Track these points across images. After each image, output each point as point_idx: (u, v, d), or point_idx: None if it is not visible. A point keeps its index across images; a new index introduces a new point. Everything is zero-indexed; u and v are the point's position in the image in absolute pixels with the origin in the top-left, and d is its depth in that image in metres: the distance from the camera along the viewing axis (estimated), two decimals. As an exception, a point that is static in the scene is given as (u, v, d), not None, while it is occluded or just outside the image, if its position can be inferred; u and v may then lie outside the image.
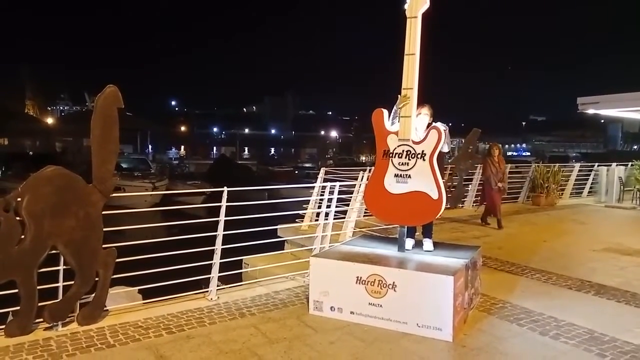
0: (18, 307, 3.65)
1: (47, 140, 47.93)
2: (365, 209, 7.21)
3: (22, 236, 3.55)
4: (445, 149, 4.51)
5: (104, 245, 3.95)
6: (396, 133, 4.40)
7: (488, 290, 4.89)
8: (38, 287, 3.66)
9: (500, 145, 9.67)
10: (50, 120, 58.94)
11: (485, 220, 9.13)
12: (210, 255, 4.74)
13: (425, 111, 4.60)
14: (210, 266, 4.73)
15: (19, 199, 3.52)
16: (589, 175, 14.12)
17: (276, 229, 7.45)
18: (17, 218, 3.53)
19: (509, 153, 71.00)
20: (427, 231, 4.85)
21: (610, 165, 13.40)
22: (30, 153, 36.74)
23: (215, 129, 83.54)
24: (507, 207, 11.53)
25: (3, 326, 3.66)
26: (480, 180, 10.21)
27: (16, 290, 3.60)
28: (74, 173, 3.84)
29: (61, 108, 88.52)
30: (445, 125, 4.41)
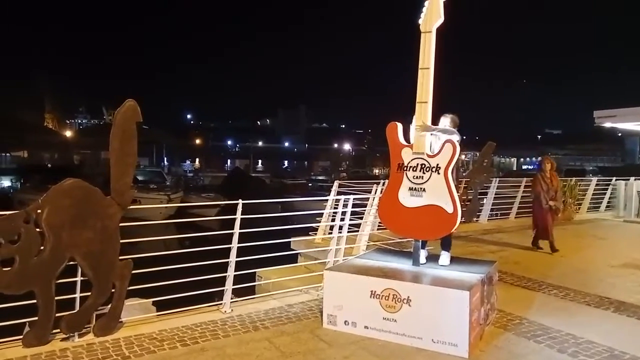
0: (35, 318, 3.70)
1: (66, 152, 48.85)
2: (379, 223, 7.18)
3: (42, 247, 3.61)
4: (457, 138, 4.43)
5: (120, 257, 3.99)
6: (411, 146, 4.40)
7: (504, 306, 4.82)
8: (55, 298, 3.71)
9: (552, 158, 8.65)
10: (68, 133, 60.17)
11: (537, 244, 8.09)
12: (222, 267, 4.75)
13: (448, 122, 4.60)
14: (223, 278, 4.74)
15: (39, 211, 3.59)
16: (607, 189, 13.90)
17: (289, 241, 7.46)
18: (37, 229, 3.60)
19: (524, 167, 70.26)
20: (446, 244, 4.79)
21: (629, 179, 13.18)
22: (49, 165, 37.40)
23: (229, 142, 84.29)
24: (522, 221, 11.39)
25: (20, 336, 3.71)
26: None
27: (32, 301, 3.65)
28: (92, 185, 3.91)
29: (79, 121, 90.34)
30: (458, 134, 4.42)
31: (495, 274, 4.78)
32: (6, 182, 30.47)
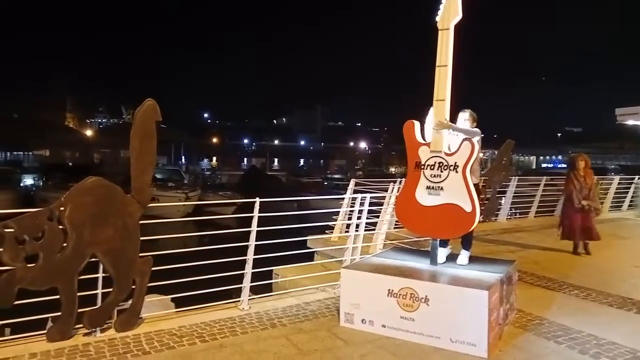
0: (58, 313, 3.78)
1: (86, 151, 49.73)
2: (396, 221, 7.16)
3: (64, 244, 3.69)
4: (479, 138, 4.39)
5: (140, 254, 4.06)
6: (428, 145, 4.38)
7: (524, 306, 4.76)
8: (78, 294, 3.79)
9: (587, 156, 8.05)
10: (89, 133, 61.25)
11: (576, 250, 7.56)
12: (239, 265, 4.79)
13: (467, 117, 4.56)
14: (240, 276, 4.78)
15: (61, 208, 3.66)
16: (629, 188, 13.60)
17: (306, 240, 7.47)
18: (60, 227, 3.68)
19: (544, 165, 69.15)
20: (466, 242, 4.75)
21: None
22: (70, 164, 38.08)
23: (245, 141, 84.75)
24: (542, 220, 11.23)
25: (44, 331, 3.80)
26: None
27: (55, 297, 3.73)
28: (113, 184, 3.98)
29: (99, 120, 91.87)
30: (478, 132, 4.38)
31: (514, 273, 4.73)
32: (29, 181, 31.12)
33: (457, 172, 4.22)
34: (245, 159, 71.05)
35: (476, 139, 4.27)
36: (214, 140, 72.27)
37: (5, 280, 3.44)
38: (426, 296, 3.92)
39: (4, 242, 3.44)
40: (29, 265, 3.55)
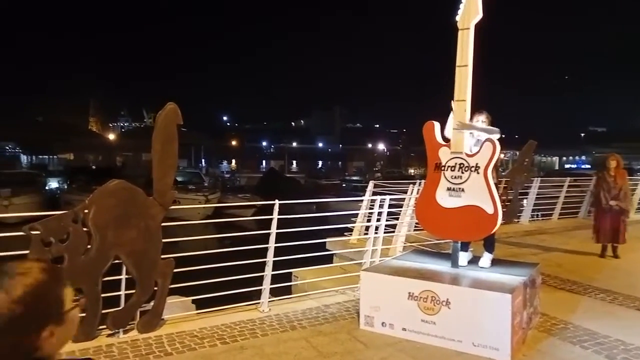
0: (82, 314, 3.84)
1: (109, 154, 50.72)
2: (416, 223, 7.09)
3: (89, 246, 3.76)
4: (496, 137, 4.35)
5: (162, 256, 4.11)
6: (448, 146, 4.33)
7: (548, 310, 4.66)
8: (102, 295, 3.85)
9: (619, 156, 7.77)
10: (111, 136, 62.44)
11: (604, 252, 7.39)
12: (258, 267, 4.81)
13: (483, 118, 4.51)
14: (259, 278, 4.80)
15: (86, 211, 3.74)
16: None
17: (325, 242, 7.46)
18: (84, 229, 3.75)
19: (567, 166, 67.77)
20: (489, 245, 4.68)
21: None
22: (93, 167, 38.83)
23: (264, 143, 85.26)
24: (566, 222, 11.00)
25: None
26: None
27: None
28: (135, 186, 4.04)
29: (121, 124, 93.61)
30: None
31: (538, 276, 4.64)
32: (54, 184, 31.84)
33: (478, 173, 4.17)
34: (264, 161, 71.44)
35: (496, 137, 4.22)
36: (233, 142, 72.88)
37: (32, 282, 3.51)
38: (447, 299, 3.87)
39: (30, 244, 3.52)
40: (54, 266, 3.62)
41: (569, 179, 11.93)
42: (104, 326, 3.92)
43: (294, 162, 70.60)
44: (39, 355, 1.10)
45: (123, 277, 4.00)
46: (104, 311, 3.88)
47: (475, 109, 4.39)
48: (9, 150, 56.65)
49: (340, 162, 74.38)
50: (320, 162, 75.39)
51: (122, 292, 4.02)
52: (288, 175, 47.65)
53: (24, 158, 52.25)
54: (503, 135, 4.52)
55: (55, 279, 1.16)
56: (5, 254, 4.04)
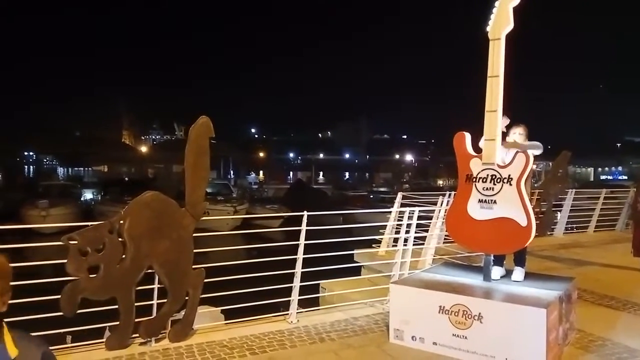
0: (116, 323, 3.93)
1: (141, 166, 52.04)
2: (446, 236, 6.99)
3: (123, 256, 3.85)
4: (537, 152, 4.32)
5: (193, 266, 4.17)
6: (480, 157, 4.27)
7: (585, 326, 4.50)
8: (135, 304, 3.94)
9: None
10: (143, 149, 64.10)
11: None
12: (285, 278, 4.82)
13: (521, 131, 4.46)
14: (287, 289, 4.80)
15: (121, 222, 3.84)
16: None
17: (352, 254, 7.43)
18: (119, 239, 3.85)
19: (602, 177, 65.67)
20: (520, 259, 4.57)
21: None
22: (126, 179, 39.88)
23: (291, 155, 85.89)
24: (602, 235, 10.64)
25: (101, 339, 3.97)
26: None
27: (112, 307, 3.88)
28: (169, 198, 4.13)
29: (153, 137, 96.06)
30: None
31: (574, 291, 4.49)
32: (88, 195, 32.84)
33: (511, 184, 4.09)
34: (291, 173, 71.89)
35: (538, 152, 4.20)
36: (261, 154, 73.70)
37: (69, 290, 3.63)
38: (480, 313, 3.79)
39: (68, 253, 3.64)
40: (91, 276, 3.73)
41: (605, 190, 11.56)
42: (137, 335, 4.00)
43: (321, 173, 70.78)
44: None
45: (155, 286, 4.08)
46: (136, 320, 3.96)
47: (513, 122, 4.35)
48: (46, 162, 58.88)
49: (367, 174, 74.12)
50: (347, 174, 75.36)
51: (155, 302, 4.10)
52: (315, 186, 47.80)
53: (60, 170, 54.17)
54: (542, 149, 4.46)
55: None
56: (43, 262, 4.20)
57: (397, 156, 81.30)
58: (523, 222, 4.01)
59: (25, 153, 56.58)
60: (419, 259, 6.61)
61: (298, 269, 4.79)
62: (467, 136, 4.38)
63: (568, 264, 7.68)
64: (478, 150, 4.34)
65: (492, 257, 4.43)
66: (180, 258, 4.04)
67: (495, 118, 4.21)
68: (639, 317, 4.97)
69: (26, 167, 56.95)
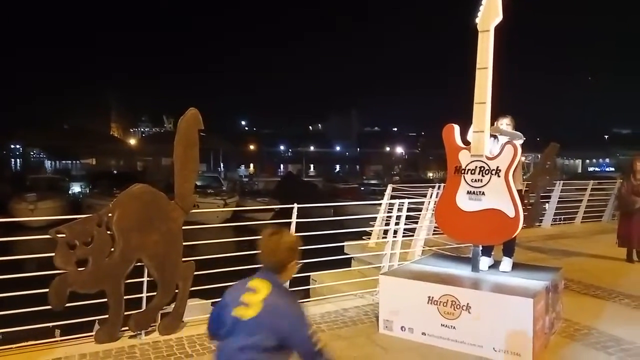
0: (105, 316, 3.92)
1: (130, 159, 51.55)
2: (435, 227, 7.04)
3: (112, 249, 3.83)
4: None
5: (183, 259, 4.16)
6: (468, 149, 4.30)
7: (571, 315, 4.58)
8: (124, 297, 3.92)
9: None
10: (132, 141, 63.52)
11: (631, 257, 7.20)
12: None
13: (507, 122, 4.49)
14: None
15: (110, 215, 3.82)
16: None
17: (343, 245, 7.46)
18: (108, 232, 3.82)
19: (590, 169, 66.42)
20: (508, 249, 4.63)
21: None
22: (115, 172, 39.50)
23: (282, 147, 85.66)
24: (589, 226, 10.79)
25: (92, 333, 3.95)
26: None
27: (101, 300, 3.87)
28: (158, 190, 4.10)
29: (142, 129, 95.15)
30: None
31: (560, 281, 4.56)
32: (77, 188, 32.49)
33: (499, 176, 4.12)
34: (282, 166, 71.76)
35: (520, 142, 4.20)
36: (251, 147, 73.41)
37: (58, 283, 3.61)
38: (468, 304, 3.84)
39: (56, 246, 3.61)
40: (79, 269, 3.71)
41: (592, 182, 11.71)
42: (127, 328, 3.99)
43: (312, 166, 70.73)
44: None
45: (145, 279, 4.07)
46: (126, 313, 3.95)
47: (500, 112, 4.37)
48: (34, 155, 58.13)
49: (357, 166, 74.25)
50: (337, 166, 75.40)
51: (144, 295, 4.09)
52: (306, 179, 47.75)
53: (48, 163, 53.51)
54: (525, 138, 4.48)
55: None
56: (31, 256, 4.17)
57: (388, 149, 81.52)
58: (511, 214, 4.06)
59: (12, 146, 55.81)
60: (408, 250, 6.65)
61: (288, 261, 4.79)
62: (456, 128, 4.40)
63: (555, 255, 7.79)
64: (467, 142, 4.37)
65: (481, 248, 4.47)
66: (170, 251, 4.03)
67: (483, 110, 4.23)
68: (624, 307, 5.06)
69: (13, 160, 56.21)
